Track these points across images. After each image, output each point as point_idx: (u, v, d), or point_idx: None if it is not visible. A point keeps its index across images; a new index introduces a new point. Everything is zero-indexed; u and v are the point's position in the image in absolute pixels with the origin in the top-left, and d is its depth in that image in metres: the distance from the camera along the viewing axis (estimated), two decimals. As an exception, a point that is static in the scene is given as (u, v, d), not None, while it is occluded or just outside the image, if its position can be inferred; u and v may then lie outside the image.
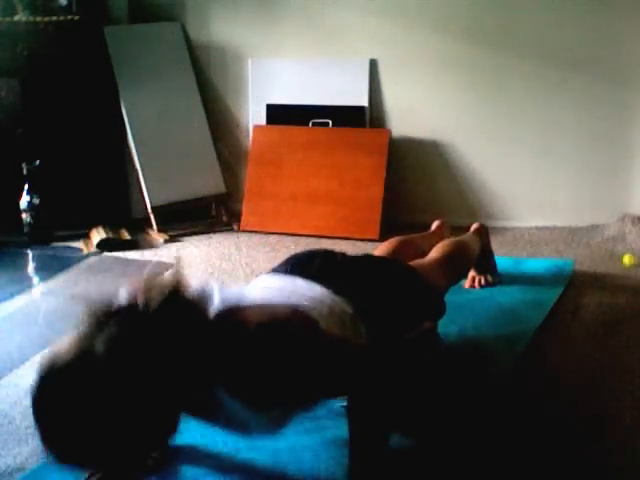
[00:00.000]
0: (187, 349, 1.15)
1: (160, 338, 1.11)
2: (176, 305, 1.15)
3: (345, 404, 1.65)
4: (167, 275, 1.15)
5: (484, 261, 2.44)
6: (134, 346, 1.09)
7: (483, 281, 2.42)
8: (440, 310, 1.84)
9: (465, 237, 2.30)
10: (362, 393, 1.31)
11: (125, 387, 1.07)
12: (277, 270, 1.63)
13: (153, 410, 1.11)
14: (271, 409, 1.29)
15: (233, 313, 1.27)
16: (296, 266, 1.61)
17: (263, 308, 1.36)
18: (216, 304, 1.25)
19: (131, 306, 1.13)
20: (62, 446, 1.09)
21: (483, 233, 2.41)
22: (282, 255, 2.76)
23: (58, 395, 1.06)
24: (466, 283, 2.44)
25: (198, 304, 1.21)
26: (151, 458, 1.48)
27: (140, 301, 1.13)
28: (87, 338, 1.08)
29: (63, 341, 1.09)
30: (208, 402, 1.24)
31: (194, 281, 1.23)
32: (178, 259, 1.19)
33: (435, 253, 2.06)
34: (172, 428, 1.19)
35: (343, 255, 1.75)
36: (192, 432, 1.61)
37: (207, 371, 1.19)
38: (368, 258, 1.92)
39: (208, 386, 1.21)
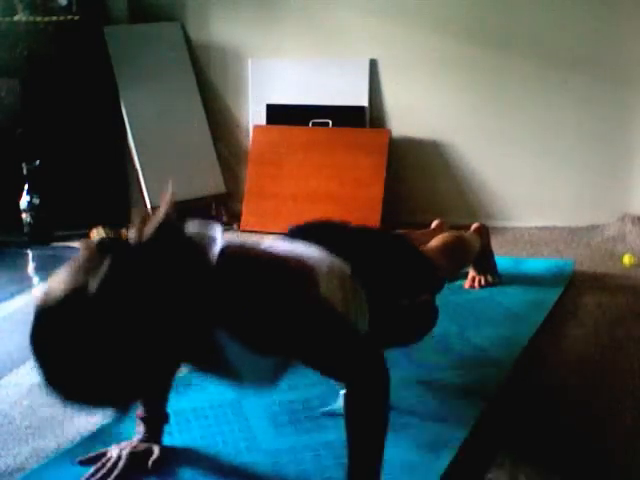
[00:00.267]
0: (182, 283, 1.12)
1: (153, 271, 1.08)
2: (170, 237, 1.12)
3: (327, 409, 1.66)
4: (160, 210, 1.11)
5: (484, 261, 2.44)
6: (126, 281, 1.06)
7: (483, 281, 2.42)
8: (438, 283, 1.85)
9: (465, 233, 2.31)
10: (356, 381, 1.29)
11: (120, 323, 1.05)
12: (275, 239, 1.63)
13: (150, 345, 1.08)
14: (270, 354, 1.27)
15: (237, 252, 1.26)
16: (295, 233, 1.62)
17: (269, 252, 1.34)
18: (217, 240, 1.22)
19: (123, 240, 1.10)
20: (62, 383, 1.06)
21: (483, 233, 2.41)
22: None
23: (53, 333, 1.04)
24: (466, 283, 2.44)
25: (196, 237, 1.19)
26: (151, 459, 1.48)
27: (133, 235, 1.10)
28: (79, 275, 1.05)
29: (55, 279, 1.06)
30: (206, 343, 1.20)
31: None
32: (169, 194, 1.14)
33: (435, 242, 2.08)
34: (171, 367, 1.16)
35: (342, 223, 1.76)
36: (192, 433, 1.62)
37: (206, 307, 1.16)
38: (369, 228, 1.92)
39: (207, 324, 1.18)
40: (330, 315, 1.30)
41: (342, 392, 1.45)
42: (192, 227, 1.20)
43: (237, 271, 1.22)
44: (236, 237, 1.38)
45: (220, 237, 1.22)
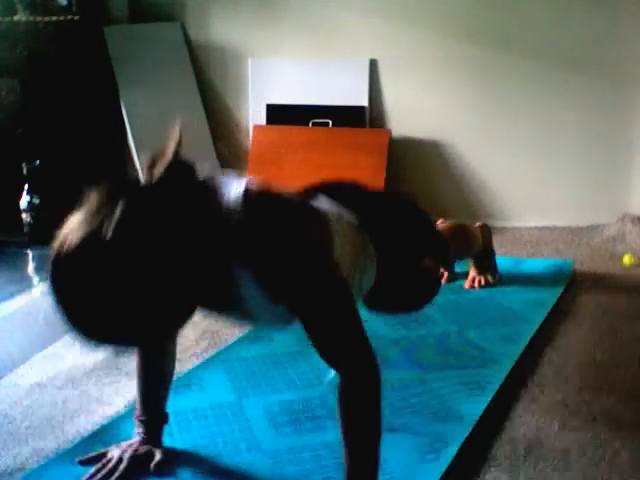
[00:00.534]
0: (196, 222, 1.11)
1: (166, 211, 1.07)
2: (182, 176, 1.12)
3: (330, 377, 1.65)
4: (168, 150, 1.11)
5: (485, 261, 2.44)
6: (141, 223, 1.05)
7: (483, 281, 2.43)
8: (443, 251, 1.89)
9: (469, 224, 2.37)
10: (347, 372, 1.28)
11: (137, 265, 1.04)
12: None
13: (168, 283, 1.07)
14: (276, 300, 1.26)
15: (257, 193, 1.25)
16: (310, 190, 1.62)
17: (288, 196, 1.34)
18: (233, 181, 1.23)
19: (135, 183, 1.10)
20: (83, 325, 1.07)
21: (485, 232, 2.42)
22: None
23: (71, 280, 1.05)
24: (466, 283, 2.44)
25: (208, 178, 1.20)
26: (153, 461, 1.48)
27: (144, 177, 1.10)
28: (94, 220, 1.04)
29: (70, 225, 1.05)
30: (224, 281, 1.20)
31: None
32: (176, 133, 1.14)
33: (440, 227, 2.15)
34: (189, 304, 1.14)
35: (356, 184, 1.76)
36: (192, 433, 1.62)
37: (223, 245, 1.16)
38: (382, 191, 1.94)
39: (224, 262, 1.18)
40: (335, 280, 1.29)
41: None
42: (203, 170, 1.19)
43: (258, 211, 1.22)
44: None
45: (236, 179, 1.22)
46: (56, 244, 1.05)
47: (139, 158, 3.25)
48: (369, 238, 1.56)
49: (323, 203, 1.49)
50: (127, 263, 1.03)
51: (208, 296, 1.20)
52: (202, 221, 1.12)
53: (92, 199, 1.07)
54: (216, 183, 1.22)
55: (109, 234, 1.02)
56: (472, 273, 2.45)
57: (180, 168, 1.11)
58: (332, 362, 1.30)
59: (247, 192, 1.22)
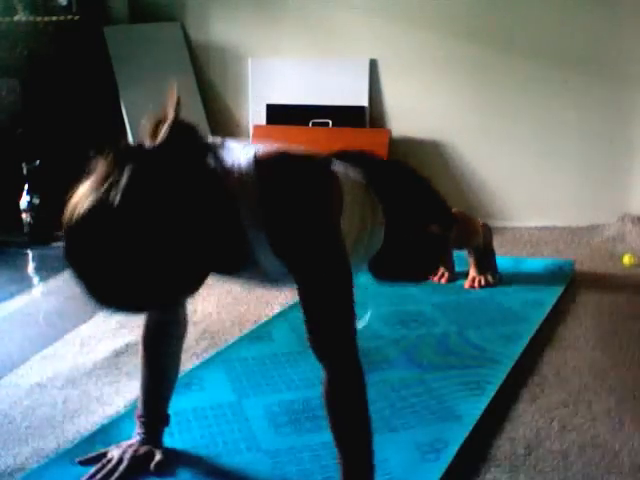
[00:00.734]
0: (202, 183, 1.12)
1: (172, 173, 1.08)
2: (184, 137, 1.12)
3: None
4: (168, 112, 1.11)
5: (485, 261, 2.44)
6: (148, 187, 1.05)
7: (483, 281, 2.43)
8: (450, 217, 1.96)
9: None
10: (331, 367, 1.28)
11: (148, 229, 1.04)
12: None
13: (181, 246, 1.07)
14: (282, 259, 1.27)
15: (265, 154, 1.26)
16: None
17: (301, 156, 1.34)
18: (239, 144, 1.25)
19: (139, 147, 1.09)
20: (100, 292, 1.08)
21: (486, 231, 2.42)
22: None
23: (84, 249, 1.05)
24: (466, 283, 2.44)
25: (210, 140, 1.22)
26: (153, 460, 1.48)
27: (147, 140, 1.10)
28: (101, 188, 1.04)
29: (78, 195, 1.05)
30: (236, 245, 1.22)
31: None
32: (173, 95, 1.14)
33: None
34: (203, 266, 1.14)
35: (357, 150, 1.79)
36: (192, 433, 1.62)
37: (232, 208, 1.18)
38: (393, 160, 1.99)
39: (236, 226, 1.20)
40: (336, 251, 1.29)
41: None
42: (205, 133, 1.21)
43: (271, 173, 1.23)
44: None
45: (244, 142, 1.26)
46: (66, 214, 1.05)
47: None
48: (377, 199, 1.58)
49: (332, 163, 1.50)
50: (137, 228, 1.04)
51: (221, 258, 1.20)
52: (209, 183, 1.13)
53: (98, 167, 1.07)
54: (222, 145, 1.24)
55: (117, 201, 1.02)
56: (472, 273, 2.45)
57: (183, 129, 1.12)
58: (319, 347, 1.28)
59: (258, 154, 1.24)
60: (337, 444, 1.29)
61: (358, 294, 1.29)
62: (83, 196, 1.04)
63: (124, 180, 1.03)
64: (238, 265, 1.30)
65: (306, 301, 1.27)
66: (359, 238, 1.50)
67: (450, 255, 2.51)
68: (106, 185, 1.03)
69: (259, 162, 1.23)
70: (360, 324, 1.59)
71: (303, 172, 1.28)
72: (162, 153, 1.08)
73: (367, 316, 1.49)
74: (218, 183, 1.17)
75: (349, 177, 1.50)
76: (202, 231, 1.10)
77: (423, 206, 1.80)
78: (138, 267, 1.04)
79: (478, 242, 2.41)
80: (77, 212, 1.03)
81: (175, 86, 1.15)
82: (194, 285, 1.14)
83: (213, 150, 1.21)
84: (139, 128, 1.11)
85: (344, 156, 1.62)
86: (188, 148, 1.12)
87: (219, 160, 1.21)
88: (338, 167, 1.48)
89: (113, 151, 1.06)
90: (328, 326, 1.28)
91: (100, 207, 1.02)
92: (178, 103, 1.12)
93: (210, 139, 1.26)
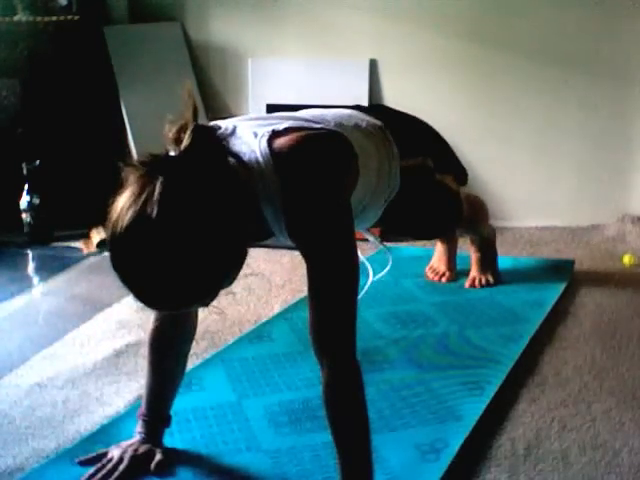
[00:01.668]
0: (229, 182, 1.20)
1: (201, 178, 1.15)
2: (206, 140, 1.19)
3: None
4: (186, 115, 1.18)
5: (487, 260, 2.44)
6: (181, 195, 1.12)
7: (484, 281, 2.43)
8: (463, 170, 2.09)
9: None
10: (327, 361, 1.30)
11: (187, 234, 1.12)
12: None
13: (219, 245, 1.15)
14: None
15: (277, 142, 1.32)
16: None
17: (308, 135, 1.39)
18: (249, 136, 1.32)
19: (166, 156, 1.16)
20: (150, 297, 1.16)
21: (490, 231, 2.43)
22: (281, 254, 2.78)
23: (129, 259, 1.12)
24: (466, 283, 2.44)
25: (226, 133, 1.31)
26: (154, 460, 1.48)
27: (172, 148, 1.17)
28: (137, 201, 1.11)
29: (116, 209, 1.12)
30: (257, 222, 1.31)
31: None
32: (187, 94, 1.20)
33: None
34: (240, 258, 1.22)
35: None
36: (192, 433, 1.62)
37: (253, 195, 1.27)
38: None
39: (260, 221, 1.31)
40: (344, 227, 1.36)
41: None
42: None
43: (288, 160, 1.30)
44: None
45: (252, 130, 1.33)
46: (109, 229, 1.13)
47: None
48: (393, 140, 1.66)
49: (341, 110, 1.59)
50: (176, 234, 1.11)
51: (248, 246, 1.27)
52: (233, 182, 1.22)
53: (131, 181, 1.13)
54: (233, 133, 1.33)
55: (154, 213, 1.09)
56: (473, 272, 2.45)
57: (203, 133, 1.18)
58: (321, 340, 1.31)
59: (274, 146, 1.31)
60: (336, 443, 1.30)
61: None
62: (122, 211, 1.12)
63: (157, 193, 1.10)
64: (259, 238, 1.39)
65: (313, 288, 1.31)
66: (379, 181, 1.59)
67: (453, 254, 2.51)
68: (142, 199, 1.10)
69: (276, 155, 1.29)
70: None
71: (320, 162, 1.33)
72: (188, 160, 1.15)
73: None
74: (241, 182, 1.25)
75: (364, 120, 1.59)
76: (231, 228, 1.17)
77: (438, 151, 1.90)
78: (178, 269, 1.12)
79: (487, 232, 2.42)
80: (120, 226, 1.11)
81: (190, 87, 1.22)
82: (230, 277, 1.21)
83: (229, 145, 1.30)
84: (162, 134, 1.19)
85: (361, 108, 1.73)
86: (210, 151, 1.19)
87: (237, 157, 1.29)
88: (350, 112, 1.58)
89: (143, 164, 1.14)
90: (332, 317, 1.30)
91: (139, 219, 1.10)
92: (195, 106, 1.18)
93: (222, 127, 1.35)
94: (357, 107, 1.78)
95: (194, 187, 1.13)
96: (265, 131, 1.34)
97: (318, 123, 1.47)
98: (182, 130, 1.16)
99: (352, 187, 1.45)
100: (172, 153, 1.16)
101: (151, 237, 1.10)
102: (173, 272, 1.11)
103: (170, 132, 1.18)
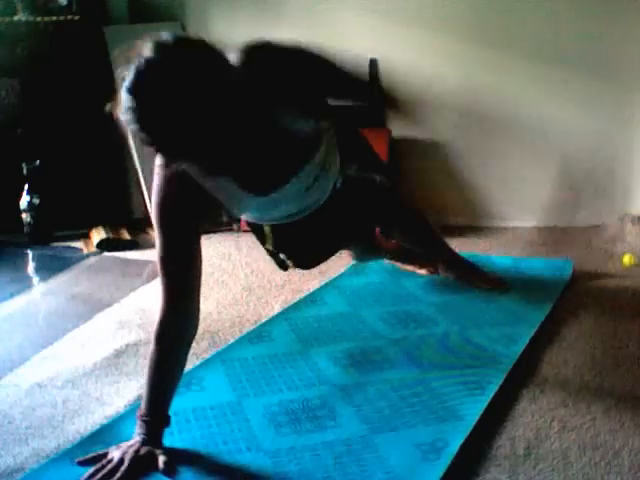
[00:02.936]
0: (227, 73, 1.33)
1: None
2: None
3: None
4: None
5: (466, 275, 2.46)
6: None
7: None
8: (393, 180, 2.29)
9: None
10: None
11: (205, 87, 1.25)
12: None
13: (227, 97, 1.28)
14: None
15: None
16: None
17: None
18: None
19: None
20: (166, 139, 1.26)
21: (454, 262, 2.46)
22: (282, 255, 2.78)
23: (153, 91, 1.24)
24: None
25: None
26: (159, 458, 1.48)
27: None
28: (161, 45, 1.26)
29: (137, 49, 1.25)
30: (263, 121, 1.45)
31: None
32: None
33: None
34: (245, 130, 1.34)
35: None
36: (192, 433, 1.62)
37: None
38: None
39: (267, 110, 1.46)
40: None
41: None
42: None
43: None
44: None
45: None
46: (129, 73, 1.24)
47: (139, 158, 3.25)
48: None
49: None
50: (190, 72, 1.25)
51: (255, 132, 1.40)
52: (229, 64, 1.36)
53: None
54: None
55: (171, 40, 1.27)
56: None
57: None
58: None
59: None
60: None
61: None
62: (142, 51, 1.25)
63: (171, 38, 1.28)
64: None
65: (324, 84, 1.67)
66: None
67: (410, 252, 2.53)
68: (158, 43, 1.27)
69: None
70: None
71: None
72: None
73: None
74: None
75: None
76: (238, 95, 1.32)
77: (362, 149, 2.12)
78: (194, 103, 1.23)
79: (442, 257, 2.44)
80: (138, 64, 1.24)
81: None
82: (235, 149, 1.33)
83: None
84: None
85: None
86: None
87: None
88: None
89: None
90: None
91: (158, 48, 1.25)
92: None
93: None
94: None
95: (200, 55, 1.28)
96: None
97: None
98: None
99: None
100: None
101: (175, 71, 1.23)
102: (190, 106, 1.22)
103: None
